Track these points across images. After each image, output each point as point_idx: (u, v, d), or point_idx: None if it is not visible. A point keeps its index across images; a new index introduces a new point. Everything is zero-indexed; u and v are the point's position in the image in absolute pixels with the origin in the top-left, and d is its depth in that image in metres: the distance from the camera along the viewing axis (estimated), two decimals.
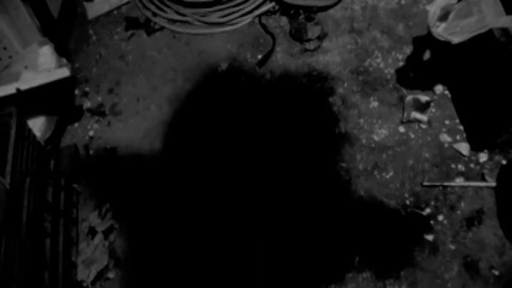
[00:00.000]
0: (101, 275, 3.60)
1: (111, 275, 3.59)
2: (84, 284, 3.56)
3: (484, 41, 3.09)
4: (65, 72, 3.93)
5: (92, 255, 3.69)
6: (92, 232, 3.80)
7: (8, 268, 2.77)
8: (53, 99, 4.09)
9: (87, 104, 4.56)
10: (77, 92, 4.67)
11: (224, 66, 4.45)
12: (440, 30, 3.20)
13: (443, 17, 3.27)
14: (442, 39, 3.17)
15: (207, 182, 3.82)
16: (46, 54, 4.22)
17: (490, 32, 3.02)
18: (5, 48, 4.23)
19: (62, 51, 4.54)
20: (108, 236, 3.77)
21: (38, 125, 3.97)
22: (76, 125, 4.45)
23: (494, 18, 3.02)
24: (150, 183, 3.93)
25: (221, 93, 4.28)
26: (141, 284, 3.50)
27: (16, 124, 3.27)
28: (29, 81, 3.83)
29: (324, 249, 3.35)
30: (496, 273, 3.07)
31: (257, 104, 4.13)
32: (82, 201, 3.99)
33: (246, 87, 4.26)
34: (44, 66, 4.12)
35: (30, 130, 3.51)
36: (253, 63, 4.40)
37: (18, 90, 3.67)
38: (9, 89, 3.72)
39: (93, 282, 3.57)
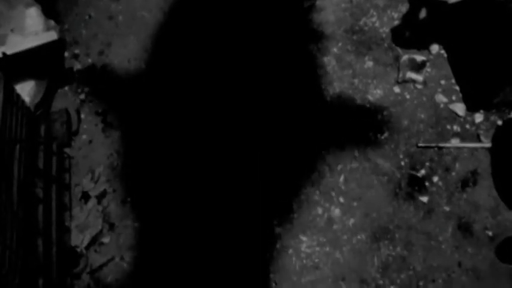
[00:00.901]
0: (95, 240, 3.59)
1: (105, 239, 3.58)
2: (78, 249, 3.56)
3: (482, 0, 3.00)
4: (52, 36, 3.83)
5: (86, 220, 3.67)
6: (85, 197, 3.78)
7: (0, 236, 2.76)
8: (41, 62, 3.99)
9: (78, 66, 4.46)
10: (66, 54, 4.56)
11: (216, 24, 4.33)
12: None
13: None
14: None
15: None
16: (33, 16, 4.10)
17: None
18: None
19: (50, 12, 4.41)
20: (102, 200, 3.74)
21: (27, 90, 3.88)
22: (67, 88, 4.36)
23: None
24: (143, 142, 3.89)
25: (212, 50, 4.19)
26: (137, 248, 3.49)
27: (3, 90, 3.19)
28: (15, 45, 3.73)
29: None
30: (490, 234, 3.08)
31: (250, 63, 4.05)
32: (74, 165, 3.95)
33: (239, 45, 4.16)
34: (31, 29, 4.01)
35: (18, 95, 3.44)
36: (247, 21, 4.29)
37: (4, 54, 3.58)
38: None
39: (87, 247, 3.57)
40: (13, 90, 3.41)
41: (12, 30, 4.06)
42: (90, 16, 4.73)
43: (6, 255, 2.80)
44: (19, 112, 3.39)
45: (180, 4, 4.58)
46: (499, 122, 3.39)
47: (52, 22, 4.23)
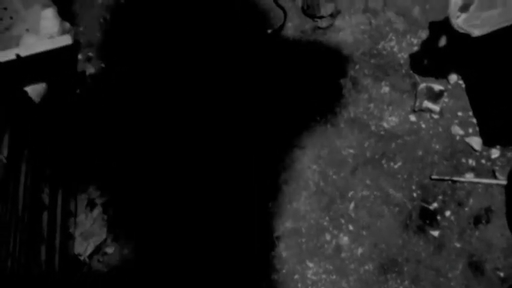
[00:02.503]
0: (98, 249, 3.55)
1: (109, 249, 3.54)
2: (82, 258, 3.51)
3: (506, 35, 2.96)
4: (67, 40, 3.77)
5: (91, 228, 3.63)
6: (91, 204, 3.73)
7: (3, 243, 2.71)
8: (54, 64, 3.95)
9: (91, 70, 4.42)
10: (80, 57, 4.51)
11: (232, 40, 4.30)
12: (460, 22, 3.06)
13: (465, 7, 3.12)
14: (461, 31, 3.03)
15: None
16: (48, 17, 4.05)
17: None
18: (5, 9, 4.05)
19: (65, 14, 4.37)
20: (108, 209, 3.69)
21: (38, 91, 3.83)
22: (78, 91, 4.31)
23: None
24: (151, 151, 3.85)
25: (228, 67, 4.14)
26: (140, 260, 3.45)
27: (14, 92, 3.16)
28: (30, 47, 3.68)
29: None
30: (501, 275, 3.04)
31: (265, 79, 4.00)
32: None
33: (254, 62, 4.12)
34: (46, 31, 3.96)
35: (29, 100, 3.39)
36: (263, 38, 4.24)
37: (18, 56, 3.54)
38: (9, 55, 3.57)
39: (90, 256, 3.52)
40: (24, 92, 3.38)
41: (27, 30, 4.01)
42: (105, 19, 4.69)
43: (8, 262, 2.76)
44: (29, 116, 3.35)
45: (189, 7, 4.52)
46: None
47: (67, 24, 4.19)
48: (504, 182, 3.28)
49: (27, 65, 3.67)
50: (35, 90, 3.79)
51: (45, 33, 3.93)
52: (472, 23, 3.07)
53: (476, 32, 3.03)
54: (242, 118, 3.86)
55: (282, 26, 4.28)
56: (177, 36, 4.41)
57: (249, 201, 3.51)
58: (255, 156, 3.68)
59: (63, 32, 4.02)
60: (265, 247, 3.32)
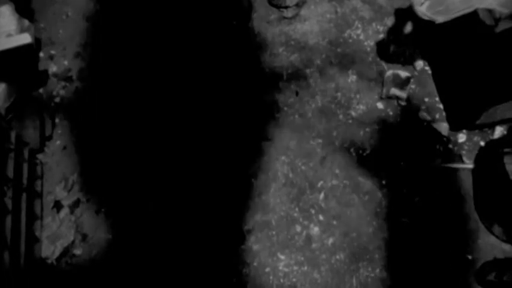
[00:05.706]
0: (66, 251, 3.47)
1: (77, 251, 3.47)
2: (49, 261, 3.43)
3: (469, 22, 2.96)
4: (26, 38, 3.68)
5: (58, 231, 3.55)
6: (58, 206, 3.65)
7: None
8: (14, 63, 3.84)
9: (53, 69, 4.30)
10: (41, 54, 4.40)
11: (198, 32, 4.24)
12: (424, 9, 3.05)
13: None
14: (426, 18, 3.03)
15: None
16: (5, 15, 3.93)
17: (475, 12, 2.89)
18: None
19: (24, 11, 4.25)
20: (75, 210, 3.62)
21: None
22: (41, 91, 4.20)
23: None
24: (119, 150, 3.77)
25: (194, 61, 4.09)
26: (110, 261, 3.39)
27: None
28: None
29: None
30: (470, 257, 3.05)
31: (232, 71, 3.96)
32: (47, 172, 3.81)
33: (220, 54, 4.07)
34: (3, 29, 3.84)
35: None
36: (228, 30, 4.19)
37: None
38: None
39: (58, 259, 3.44)
40: None
41: None
42: (67, 15, 4.58)
43: None
44: None
45: (162, 6, 4.46)
46: (482, 143, 3.37)
47: (26, 22, 4.07)
48: (471, 166, 3.30)
49: None
50: None
51: (2, 32, 3.81)
52: (436, 10, 3.06)
53: (440, 19, 3.03)
54: (206, 110, 3.82)
55: (248, 17, 4.23)
56: (141, 31, 4.34)
57: (217, 195, 3.47)
58: (223, 149, 3.63)
59: (22, 29, 3.91)
60: (236, 241, 3.28)
